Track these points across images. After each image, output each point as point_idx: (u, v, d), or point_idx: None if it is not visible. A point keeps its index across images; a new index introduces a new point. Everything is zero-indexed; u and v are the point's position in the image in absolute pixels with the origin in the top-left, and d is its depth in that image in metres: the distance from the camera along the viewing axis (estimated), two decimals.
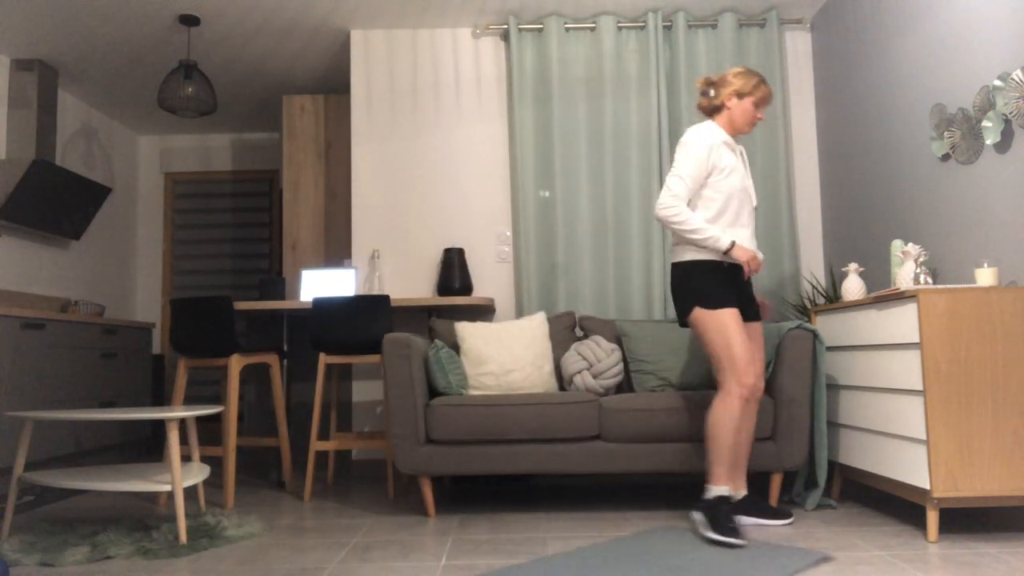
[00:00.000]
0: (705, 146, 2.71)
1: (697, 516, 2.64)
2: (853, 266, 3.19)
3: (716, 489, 2.63)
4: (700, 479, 3.83)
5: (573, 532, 2.78)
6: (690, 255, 2.72)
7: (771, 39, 4.22)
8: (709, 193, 2.73)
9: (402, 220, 4.33)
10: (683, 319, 2.76)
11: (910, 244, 2.92)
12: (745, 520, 2.84)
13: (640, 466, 3.01)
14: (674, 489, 3.58)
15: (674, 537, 2.63)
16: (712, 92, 2.84)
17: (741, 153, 2.86)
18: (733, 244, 2.65)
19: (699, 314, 2.68)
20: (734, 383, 2.62)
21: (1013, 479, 2.46)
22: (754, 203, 2.87)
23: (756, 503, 2.85)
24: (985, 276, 2.63)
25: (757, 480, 3.75)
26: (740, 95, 2.80)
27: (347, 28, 4.38)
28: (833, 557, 2.38)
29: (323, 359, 3.62)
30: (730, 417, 2.62)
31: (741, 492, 2.86)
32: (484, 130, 4.36)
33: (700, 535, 2.60)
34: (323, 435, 4.49)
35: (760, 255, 2.85)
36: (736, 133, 2.85)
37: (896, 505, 3.13)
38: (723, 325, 2.64)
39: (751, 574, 2.18)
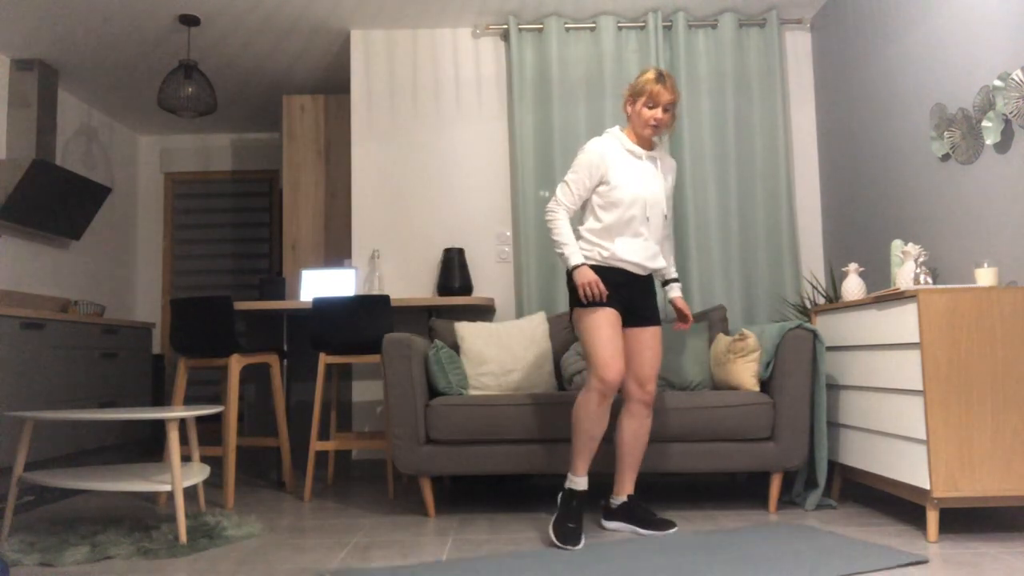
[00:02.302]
0: (594, 156, 2.69)
1: (613, 525, 2.81)
2: (853, 266, 3.19)
3: (571, 479, 2.68)
4: (700, 479, 3.83)
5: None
6: None
7: (771, 39, 4.22)
8: (597, 201, 2.72)
9: (402, 220, 4.33)
10: (570, 318, 2.79)
11: (910, 244, 2.92)
12: (623, 527, 2.80)
13: (640, 466, 3.01)
14: (673, 489, 3.58)
15: (767, 533, 2.64)
16: None
17: (654, 160, 2.77)
18: (578, 266, 2.65)
19: (576, 313, 2.71)
20: (594, 378, 2.63)
21: (1013, 479, 2.46)
22: (664, 213, 2.76)
23: (636, 510, 2.80)
24: (985, 276, 2.63)
25: (757, 480, 3.75)
26: (633, 99, 2.73)
27: (347, 28, 4.38)
28: (928, 560, 2.27)
29: (323, 359, 3.62)
30: (586, 411, 2.64)
31: (622, 498, 2.82)
32: (484, 130, 4.36)
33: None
34: (323, 435, 4.49)
35: (656, 264, 2.77)
36: (642, 139, 2.76)
37: (896, 505, 3.13)
38: (593, 325, 2.65)
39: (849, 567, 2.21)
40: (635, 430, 2.80)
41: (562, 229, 2.71)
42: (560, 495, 2.71)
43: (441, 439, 3.06)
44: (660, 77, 2.69)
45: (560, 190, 2.75)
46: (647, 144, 2.79)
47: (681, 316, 2.92)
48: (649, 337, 2.81)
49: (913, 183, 3.34)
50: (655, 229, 2.76)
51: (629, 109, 2.76)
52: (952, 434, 2.48)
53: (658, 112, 2.69)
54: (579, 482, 2.67)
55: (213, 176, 6.24)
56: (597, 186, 2.72)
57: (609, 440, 3.01)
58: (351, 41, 4.42)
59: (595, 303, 2.65)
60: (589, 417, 2.64)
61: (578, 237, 2.78)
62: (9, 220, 4.46)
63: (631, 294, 2.76)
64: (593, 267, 2.72)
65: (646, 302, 2.82)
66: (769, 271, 4.14)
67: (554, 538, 2.57)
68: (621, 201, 2.67)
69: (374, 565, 2.39)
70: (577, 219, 2.85)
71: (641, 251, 2.73)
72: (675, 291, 2.93)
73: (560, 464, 3.03)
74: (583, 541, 2.59)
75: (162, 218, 6.20)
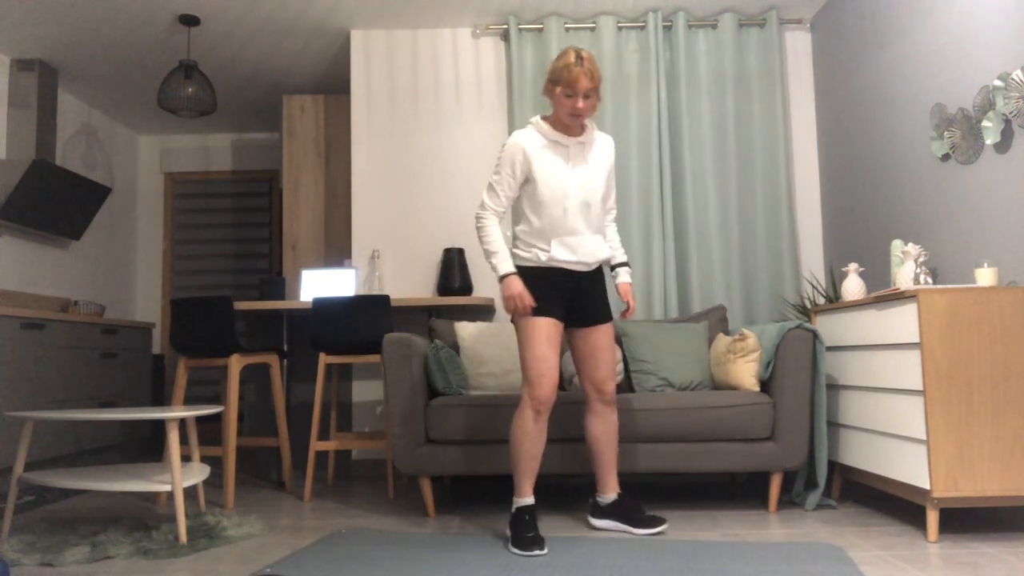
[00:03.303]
0: (516, 152, 2.57)
1: (602, 523, 2.80)
2: (853, 266, 3.19)
3: (517, 501, 2.60)
4: (700, 479, 3.83)
5: (573, 532, 2.77)
6: (517, 261, 2.66)
7: (771, 39, 4.22)
8: (526, 203, 2.62)
9: (402, 220, 4.33)
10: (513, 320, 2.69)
11: (910, 244, 2.92)
12: (613, 525, 2.79)
13: (640, 466, 3.01)
14: (673, 489, 3.58)
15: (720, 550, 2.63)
16: None
17: (582, 145, 2.63)
18: (506, 275, 2.55)
19: (516, 320, 2.62)
20: (525, 393, 2.58)
21: (1013, 479, 2.46)
22: (601, 199, 2.64)
23: (625, 508, 2.77)
24: (985, 276, 2.63)
25: (757, 480, 3.75)
26: (552, 85, 2.54)
27: (347, 28, 4.38)
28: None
29: (323, 359, 3.62)
30: (523, 429, 2.57)
31: (611, 496, 2.80)
32: (484, 130, 4.36)
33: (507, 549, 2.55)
34: (323, 435, 4.49)
35: (600, 255, 2.65)
36: (566, 127, 2.60)
37: (896, 505, 3.13)
38: (529, 335, 2.57)
39: None
40: (603, 429, 2.76)
41: (491, 236, 2.60)
42: (510, 518, 2.60)
43: (441, 439, 3.06)
44: (579, 60, 2.49)
45: (486, 194, 2.63)
46: (574, 130, 2.63)
47: (626, 305, 2.79)
48: (600, 337, 2.71)
49: (913, 183, 3.34)
50: (593, 219, 2.63)
51: (550, 97, 2.57)
52: (952, 434, 2.48)
53: (578, 101, 2.50)
54: (525, 500, 2.60)
55: (213, 176, 6.24)
56: (523, 183, 2.61)
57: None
58: (351, 41, 4.42)
59: (541, 311, 2.57)
60: (528, 436, 2.57)
61: (516, 238, 2.69)
62: (9, 220, 4.46)
63: (577, 294, 2.67)
64: (534, 268, 2.62)
65: (594, 301, 2.70)
66: (769, 271, 4.13)
67: (519, 552, 2.47)
68: (548, 198, 2.56)
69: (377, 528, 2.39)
70: (517, 219, 2.73)
71: (580, 248, 2.61)
72: (623, 276, 2.79)
73: (560, 464, 3.03)
74: (547, 546, 2.53)
75: (162, 218, 6.20)
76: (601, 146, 2.70)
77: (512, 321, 2.68)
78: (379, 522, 3.03)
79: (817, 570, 2.19)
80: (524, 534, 2.50)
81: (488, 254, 2.61)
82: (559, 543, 2.59)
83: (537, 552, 2.45)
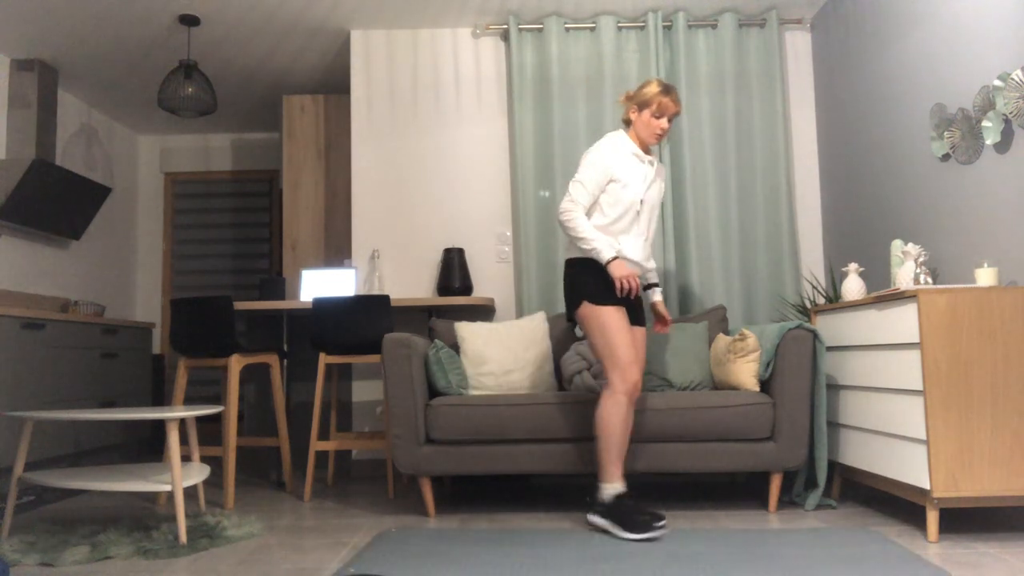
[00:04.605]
0: (606, 155, 2.80)
1: (599, 521, 2.73)
2: (853, 266, 3.19)
3: (611, 488, 2.66)
4: (700, 479, 3.83)
5: (574, 532, 2.77)
6: (580, 252, 2.82)
7: (771, 39, 4.22)
8: (605, 199, 2.80)
9: (402, 220, 4.33)
10: (571, 314, 2.82)
11: (910, 244, 2.92)
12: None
13: (640, 466, 3.01)
14: (673, 489, 3.58)
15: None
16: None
17: (653, 163, 2.89)
18: (614, 259, 2.70)
19: (585, 309, 2.75)
20: (619, 381, 2.67)
21: (1013, 479, 2.46)
22: (655, 216, 2.91)
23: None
24: (985, 276, 2.63)
25: (757, 480, 3.75)
26: (640, 108, 2.84)
27: (347, 28, 4.38)
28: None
29: (323, 359, 3.62)
30: (617, 413, 2.67)
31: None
32: (484, 130, 4.36)
33: (616, 538, 2.60)
34: (323, 435, 4.49)
35: (650, 264, 2.94)
36: (645, 144, 2.88)
37: (896, 505, 3.13)
38: (607, 322, 2.71)
39: None
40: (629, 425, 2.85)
41: (585, 226, 2.75)
42: (606, 509, 2.64)
43: (441, 439, 3.06)
44: (666, 89, 2.81)
45: (575, 189, 2.79)
46: (647, 150, 2.92)
47: (662, 320, 3.04)
48: (641, 336, 2.93)
49: (913, 183, 3.34)
50: (651, 233, 2.91)
51: (634, 115, 2.85)
52: (952, 434, 2.48)
53: (664, 122, 2.82)
54: (618, 486, 2.67)
55: (213, 176, 6.24)
56: (607, 183, 2.79)
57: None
58: (351, 41, 4.42)
59: (604, 300, 2.72)
60: (622, 421, 2.68)
61: None
62: (9, 220, 4.46)
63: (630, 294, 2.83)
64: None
65: (640, 303, 2.94)
66: (769, 271, 4.13)
67: (639, 536, 2.53)
68: (628, 199, 2.77)
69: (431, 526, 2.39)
70: None
71: (641, 251, 2.84)
72: (657, 295, 3.09)
73: (559, 464, 3.03)
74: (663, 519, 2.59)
75: (162, 218, 6.20)
76: (661, 174, 2.96)
77: (570, 318, 2.83)
78: (379, 522, 3.03)
79: (871, 551, 2.28)
80: (637, 517, 2.56)
81: (585, 241, 2.75)
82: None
83: (659, 526, 2.52)
